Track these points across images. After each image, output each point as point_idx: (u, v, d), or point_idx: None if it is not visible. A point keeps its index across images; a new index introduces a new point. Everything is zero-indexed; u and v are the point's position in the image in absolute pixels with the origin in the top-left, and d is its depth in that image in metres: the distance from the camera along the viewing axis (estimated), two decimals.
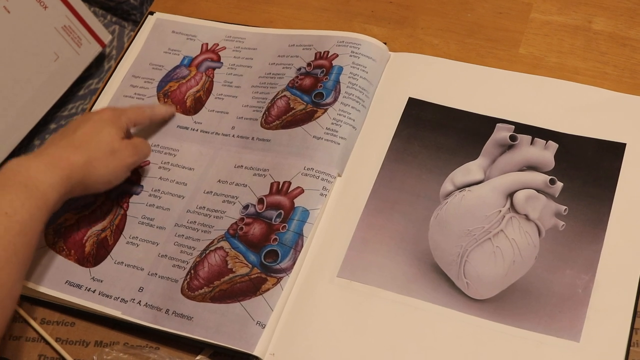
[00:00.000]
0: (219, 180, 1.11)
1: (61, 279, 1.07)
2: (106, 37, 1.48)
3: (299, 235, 1.04)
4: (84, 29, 1.43)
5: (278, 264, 1.02)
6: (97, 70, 1.50)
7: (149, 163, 1.16)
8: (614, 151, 1.05)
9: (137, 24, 1.51)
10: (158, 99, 1.22)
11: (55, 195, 0.97)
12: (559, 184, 1.03)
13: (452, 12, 1.25)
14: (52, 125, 1.45)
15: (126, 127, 1.10)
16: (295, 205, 1.06)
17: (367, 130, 1.13)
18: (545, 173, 1.05)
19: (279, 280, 1.01)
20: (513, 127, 1.09)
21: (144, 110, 1.15)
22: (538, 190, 1.03)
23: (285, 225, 1.05)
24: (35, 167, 0.98)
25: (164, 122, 1.20)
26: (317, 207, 1.06)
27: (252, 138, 1.15)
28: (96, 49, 1.46)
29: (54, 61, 1.40)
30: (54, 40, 1.39)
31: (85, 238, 1.09)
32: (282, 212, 1.06)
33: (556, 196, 1.03)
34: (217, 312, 1.00)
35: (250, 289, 1.01)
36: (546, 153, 1.06)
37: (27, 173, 0.97)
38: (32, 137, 1.43)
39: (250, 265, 1.03)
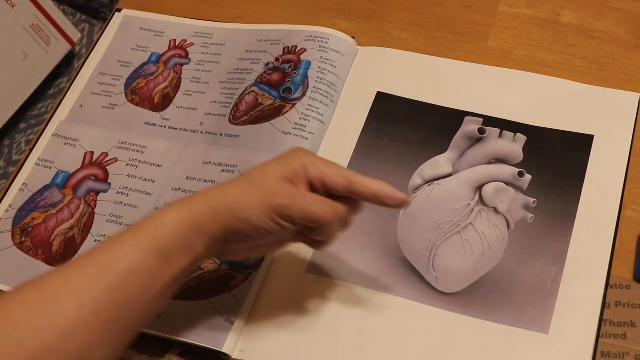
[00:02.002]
0: (188, 177, 1.11)
1: (29, 279, 1.06)
2: (75, 36, 1.47)
3: None
4: (52, 27, 1.42)
5: (247, 260, 1.01)
6: (67, 69, 1.50)
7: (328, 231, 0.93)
8: (582, 143, 1.05)
9: None
10: (126, 95, 1.21)
11: (170, 236, 0.82)
12: (528, 177, 1.03)
13: (421, 6, 1.24)
14: (22, 125, 1.44)
15: (301, 170, 0.89)
16: None
17: (336, 125, 1.13)
18: (514, 166, 1.05)
19: (247, 276, 1.01)
20: (482, 120, 1.09)
21: (342, 168, 0.92)
22: (507, 183, 1.03)
23: None
24: (163, 207, 0.85)
25: (375, 201, 0.91)
26: None
27: (221, 134, 1.14)
28: (65, 48, 1.46)
29: (23, 60, 1.39)
30: (22, 39, 1.38)
31: (52, 237, 1.09)
32: None
33: (525, 189, 1.03)
34: (186, 309, 0.99)
35: (219, 285, 1.00)
36: (514, 146, 1.06)
37: (149, 215, 0.84)
38: (2, 138, 1.42)
39: (218, 262, 1.02)
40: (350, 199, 0.90)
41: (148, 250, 0.80)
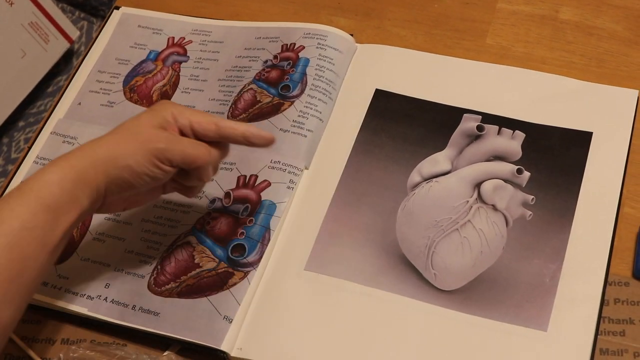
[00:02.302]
0: None
1: None
2: (74, 33, 1.47)
3: (266, 228, 1.03)
4: (51, 25, 1.42)
5: (245, 258, 1.02)
6: (66, 66, 1.50)
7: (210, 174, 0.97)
8: (581, 140, 1.05)
9: None
10: (124, 93, 1.21)
11: (56, 192, 0.84)
12: (526, 174, 1.03)
13: (419, 4, 1.24)
14: (21, 123, 1.44)
15: (171, 119, 0.93)
16: (262, 199, 1.06)
17: (334, 123, 1.13)
18: (513, 163, 1.04)
19: (246, 274, 1.01)
20: (480, 117, 1.09)
21: (210, 114, 0.97)
22: (505, 180, 1.03)
23: (252, 219, 1.04)
24: (44, 166, 0.87)
25: (246, 143, 0.96)
26: (284, 201, 1.05)
27: None
28: (64, 45, 1.45)
29: (21, 58, 1.39)
30: (20, 37, 1.38)
31: None
32: (249, 206, 1.05)
33: (523, 186, 1.03)
34: (184, 308, 0.99)
35: (217, 283, 1.00)
36: (513, 143, 1.06)
37: (31, 175, 0.86)
38: (1, 135, 1.42)
39: (217, 260, 1.02)
40: (218, 143, 0.95)
41: (37, 208, 0.83)
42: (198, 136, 0.94)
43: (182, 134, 0.94)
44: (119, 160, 0.89)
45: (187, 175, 0.95)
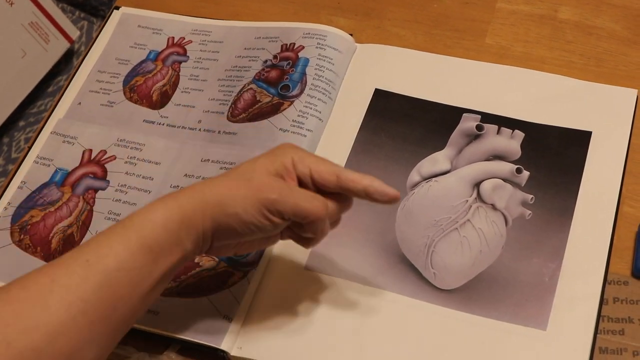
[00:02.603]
0: (186, 175, 1.11)
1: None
2: (74, 33, 1.47)
3: None
4: (51, 25, 1.42)
5: (245, 257, 1.02)
6: (66, 66, 1.50)
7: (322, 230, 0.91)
8: (580, 140, 1.05)
9: None
10: (124, 93, 1.21)
11: (160, 233, 0.81)
12: (526, 173, 1.03)
13: (419, 3, 1.24)
14: (21, 123, 1.44)
15: (290, 166, 0.87)
16: None
17: (334, 122, 1.13)
18: (512, 162, 1.05)
19: (245, 273, 1.01)
20: (479, 116, 1.09)
21: (332, 163, 0.89)
22: (504, 180, 1.03)
23: None
24: (150, 203, 0.84)
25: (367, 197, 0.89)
26: None
27: (219, 132, 1.14)
28: (64, 45, 1.45)
29: (21, 58, 1.39)
30: (20, 37, 1.38)
31: (51, 235, 1.09)
32: None
33: (522, 185, 1.03)
34: (184, 307, 0.99)
35: (217, 283, 1.00)
36: (512, 142, 1.06)
37: (136, 211, 0.83)
38: (1, 136, 1.42)
39: (217, 259, 1.02)
40: (340, 195, 0.89)
41: (136, 248, 0.79)
42: (317, 186, 0.88)
43: (301, 182, 0.87)
44: (228, 207, 0.84)
45: (302, 227, 0.88)
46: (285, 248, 1.03)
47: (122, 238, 0.80)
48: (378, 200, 0.88)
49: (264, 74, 1.18)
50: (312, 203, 0.86)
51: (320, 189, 0.88)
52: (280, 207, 0.84)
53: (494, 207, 1.02)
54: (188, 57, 1.24)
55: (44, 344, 0.74)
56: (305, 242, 0.92)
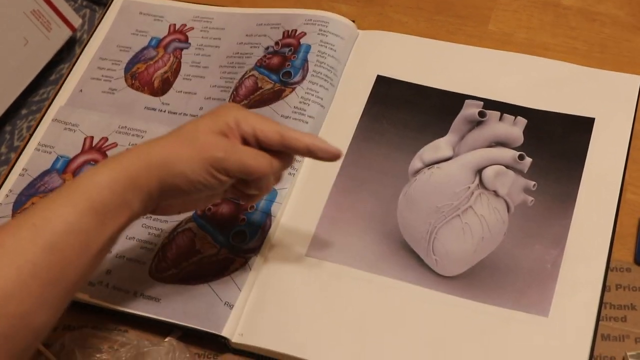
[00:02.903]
0: None
1: None
2: (76, 21, 1.46)
3: (267, 215, 1.03)
4: (53, 13, 1.41)
5: (246, 244, 1.01)
6: (68, 54, 1.49)
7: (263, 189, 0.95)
8: (583, 126, 1.05)
9: None
10: (125, 80, 1.21)
11: (106, 195, 0.81)
12: (528, 160, 1.03)
13: None
14: (24, 111, 1.44)
15: (234, 125, 0.88)
16: None
17: (336, 109, 1.13)
18: (514, 149, 1.04)
19: (247, 260, 1.00)
20: (482, 103, 1.08)
21: (275, 122, 0.91)
22: (507, 166, 1.03)
23: (253, 206, 1.04)
24: (95, 166, 0.84)
25: (311, 154, 0.91)
26: (285, 187, 1.05)
27: None
28: (66, 33, 1.45)
29: (24, 46, 1.38)
30: (23, 25, 1.38)
31: None
32: None
33: (525, 172, 1.03)
34: (185, 294, 0.99)
35: (218, 269, 1.00)
36: (515, 129, 1.06)
37: (81, 174, 0.83)
38: (3, 124, 1.42)
39: (218, 246, 1.02)
40: (282, 153, 0.90)
41: (83, 210, 0.80)
42: (261, 145, 0.89)
43: (245, 140, 0.88)
44: (174, 167, 0.85)
45: (246, 184, 0.91)
46: (286, 235, 1.03)
47: (69, 201, 0.80)
48: (320, 158, 0.90)
49: (265, 61, 1.17)
50: (257, 160, 0.87)
51: (263, 147, 0.89)
52: (227, 164, 0.86)
53: (496, 193, 1.01)
54: (189, 43, 1.24)
55: None
56: (249, 198, 0.96)
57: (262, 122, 0.89)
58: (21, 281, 0.75)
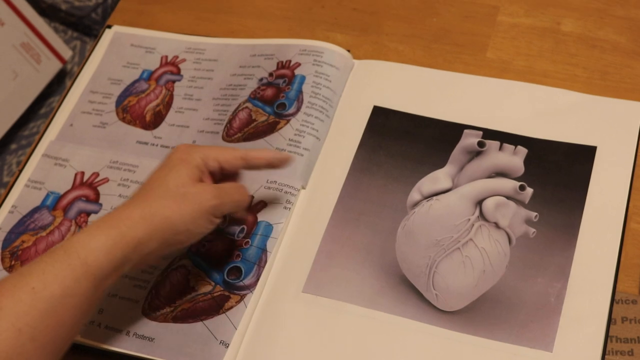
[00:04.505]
0: None
1: None
2: (67, 53, 1.45)
3: (263, 250, 1.01)
4: (43, 45, 1.40)
5: (241, 281, 0.99)
6: (59, 87, 1.48)
7: (247, 217, 1.04)
8: (585, 155, 1.03)
9: None
10: (117, 114, 1.19)
11: (103, 261, 0.84)
12: (529, 190, 1.01)
13: (418, 17, 1.22)
14: (13, 146, 1.42)
15: (203, 166, 0.94)
16: (259, 220, 1.04)
17: (332, 141, 1.11)
18: (515, 179, 1.03)
19: (242, 297, 0.98)
20: (481, 133, 1.07)
21: (233, 149, 0.98)
22: (508, 197, 1.01)
23: (248, 241, 1.02)
24: (86, 230, 0.86)
25: (273, 167, 1.00)
26: (281, 221, 1.03)
27: None
28: (56, 66, 1.43)
29: (13, 80, 1.37)
30: (12, 58, 1.37)
31: None
32: (245, 228, 1.03)
33: (526, 202, 1.01)
34: (179, 332, 0.97)
35: (213, 307, 0.98)
36: (515, 158, 1.04)
37: (74, 237, 0.85)
38: None
39: (212, 283, 1.00)
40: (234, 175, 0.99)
41: (80, 275, 0.83)
42: (226, 173, 0.97)
43: (213, 175, 0.96)
44: (179, 227, 0.90)
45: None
46: (283, 271, 1.01)
47: (66, 265, 0.83)
48: (278, 167, 1.00)
49: (259, 93, 1.16)
50: (240, 192, 0.96)
51: (225, 174, 0.97)
52: (223, 208, 0.93)
53: (497, 225, 0.99)
54: (182, 76, 1.22)
55: None
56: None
57: (223, 152, 0.96)
58: (20, 344, 0.78)
